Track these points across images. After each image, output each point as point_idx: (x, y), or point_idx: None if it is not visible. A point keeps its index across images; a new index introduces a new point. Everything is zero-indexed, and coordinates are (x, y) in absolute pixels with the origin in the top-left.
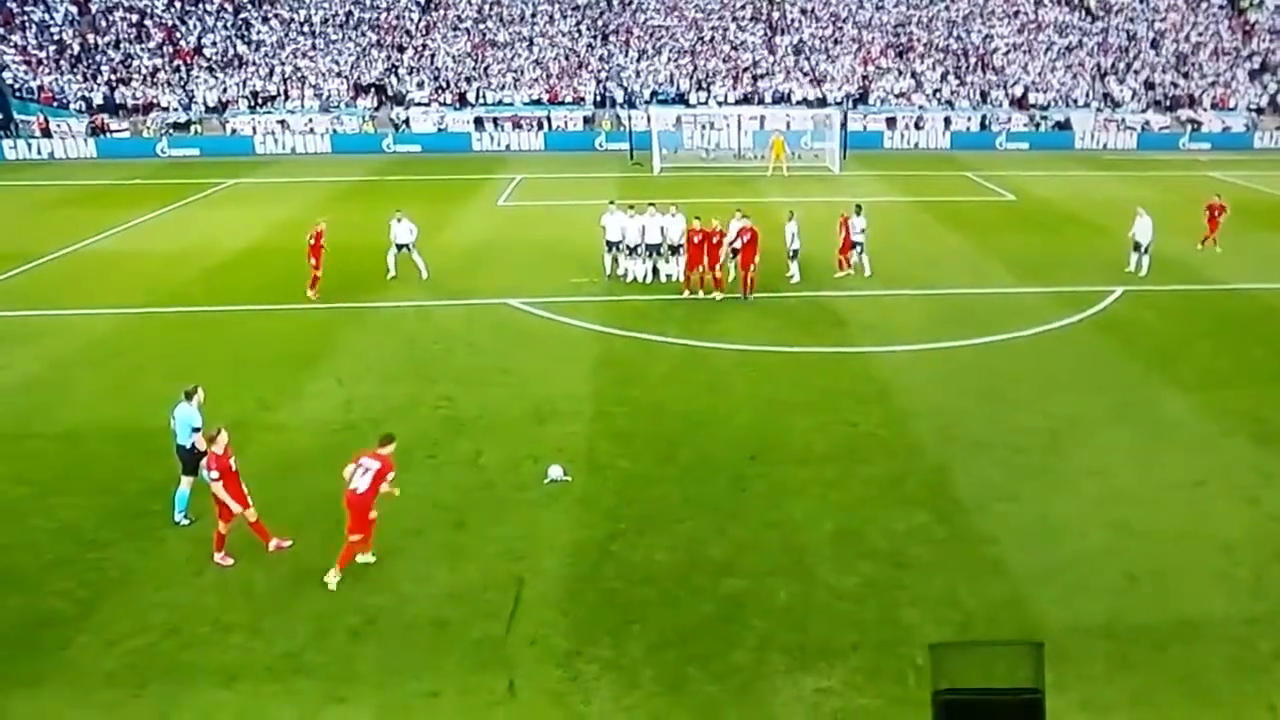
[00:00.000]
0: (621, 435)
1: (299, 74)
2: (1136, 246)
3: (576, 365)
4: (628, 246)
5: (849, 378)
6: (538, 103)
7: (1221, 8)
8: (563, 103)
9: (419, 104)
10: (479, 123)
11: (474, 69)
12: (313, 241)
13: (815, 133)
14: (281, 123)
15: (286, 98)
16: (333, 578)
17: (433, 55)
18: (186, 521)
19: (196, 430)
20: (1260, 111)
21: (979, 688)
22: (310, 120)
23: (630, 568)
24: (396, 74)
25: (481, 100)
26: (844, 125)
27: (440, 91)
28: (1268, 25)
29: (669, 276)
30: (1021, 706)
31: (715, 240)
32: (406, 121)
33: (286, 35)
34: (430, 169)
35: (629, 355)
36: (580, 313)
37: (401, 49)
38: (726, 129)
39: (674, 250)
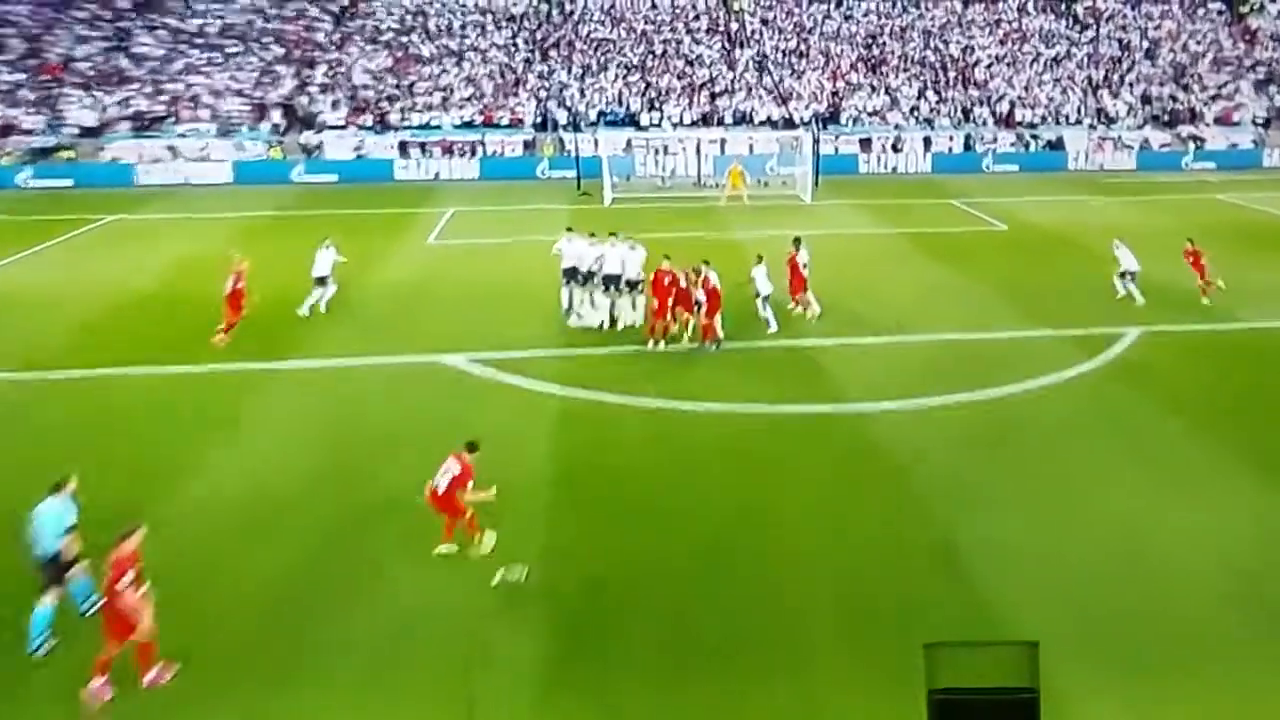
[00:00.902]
0: (586, 517)
1: (191, 92)
2: (1123, 275)
3: (528, 433)
4: (583, 275)
5: (839, 439)
6: (470, 125)
7: (1220, 13)
8: (499, 125)
9: (333, 127)
10: (403, 148)
11: (396, 87)
12: (233, 285)
13: (783, 156)
14: (170, 149)
15: (177, 120)
16: (488, 542)
17: (349, 71)
18: (46, 649)
19: (71, 529)
20: (1267, 125)
21: (974, 687)
22: (205, 146)
23: (607, 673)
24: (307, 92)
25: (406, 122)
26: (815, 148)
27: (358, 113)
28: (1271, 32)
29: (631, 324)
30: (1017, 706)
31: (685, 285)
32: (319, 147)
33: (176, 48)
34: (348, 201)
35: (589, 420)
36: (531, 369)
37: (312, 64)
38: (684, 153)
39: (632, 286)
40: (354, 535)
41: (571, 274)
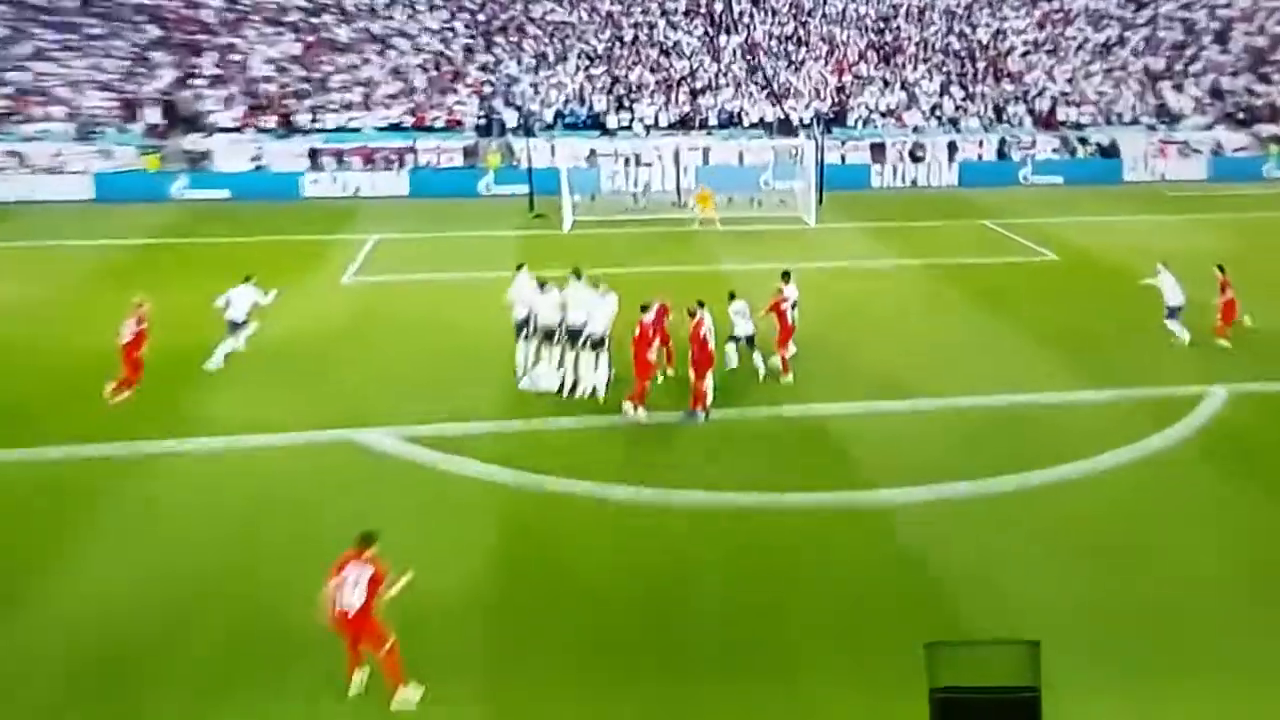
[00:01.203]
0: (542, 665)
1: (41, 84)
2: (1170, 313)
3: (465, 539)
4: (542, 330)
5: (863, 538)
6: (397, 129)
7: None
8: (433, 129)
9: (225, 129)
10: (314, 157)
11: (305, 80)
12: (132, 332)
13: (779, 168)
14: (14, 154)
15: (23, 118)
16: (410, 694)
17: (244, 60)
18: None
19: None
20: None
21: (976, 686)
22: (60, 152)
23: None
24: (191, 86)
25: (317, 125)
26: (820, 158)
27: (256, 112)
28: None
29: (592, 390)
30: (1019, 705)
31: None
32: (206, 155)
33: (20, 27)
34: (242, 225)
35: (546, 518)
36: (472, 448)
37: (197, 50)
38: (660, 164)
39: (598, 344)
40: (235, 688)
41: (524, 327)
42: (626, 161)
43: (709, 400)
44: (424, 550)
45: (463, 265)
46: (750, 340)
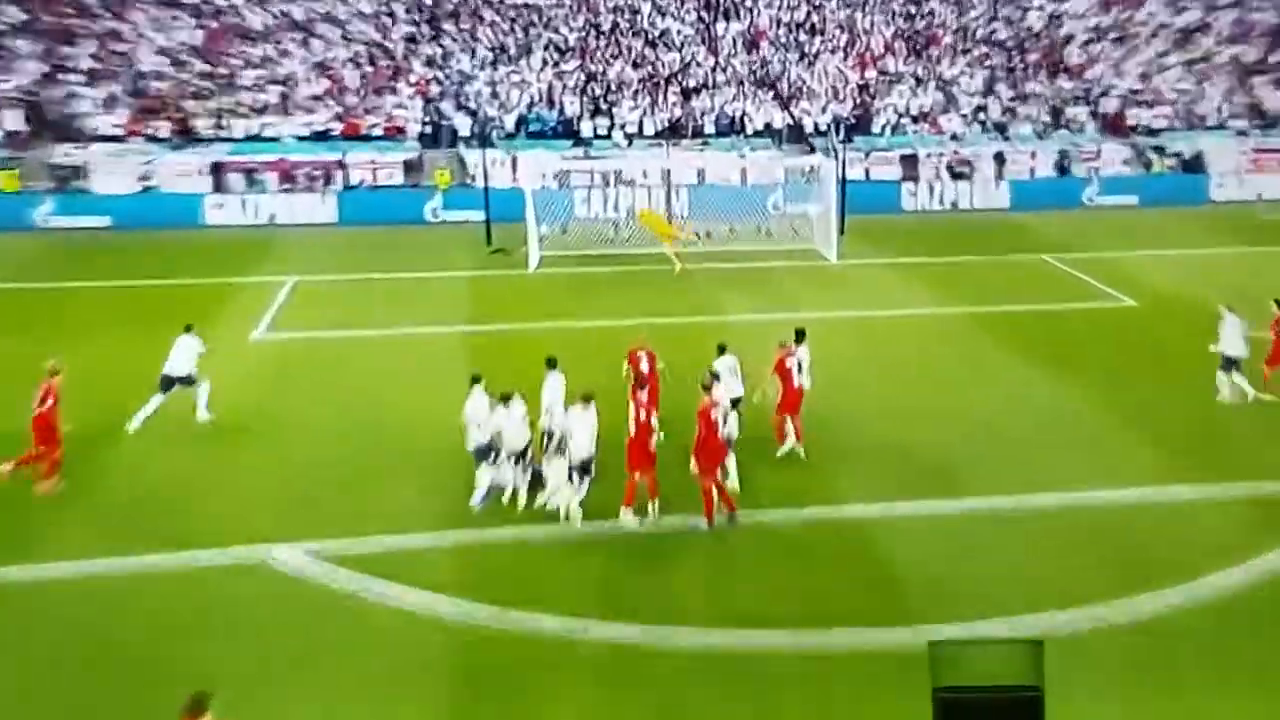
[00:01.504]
0: None
1: None
2: (1227, 364)
3: (401, 685)
4: (512, 454)
5: (917, 692)
6: (324, 138)
7: None
8: (368, 138)
9: (106, 138)
10: (219, 174)
11: (208, 78)
12: (41, 403)
13: (792, 188)
14: None
15: None
16: None
17: (130, 51)
18: None
19: None
20: None
21: (979, 685)
22: None
23: None
24: (62, 83)
25: (223, 133)
26: (841, 175)
27: (145, 117)
28: None
29: (565, 511)
30: (1021, 704)
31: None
32: (80, 172)
33: None
34: (126, 263)
35: (504, 660)
36: (410, 571)
37: (70, 38)
38: (645, 184)
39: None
40: None
41: (486, 454)
42: (605, 181)
43: (719, 493)
44: (346, 708)
45: (403, 317)
46: (735, 403)
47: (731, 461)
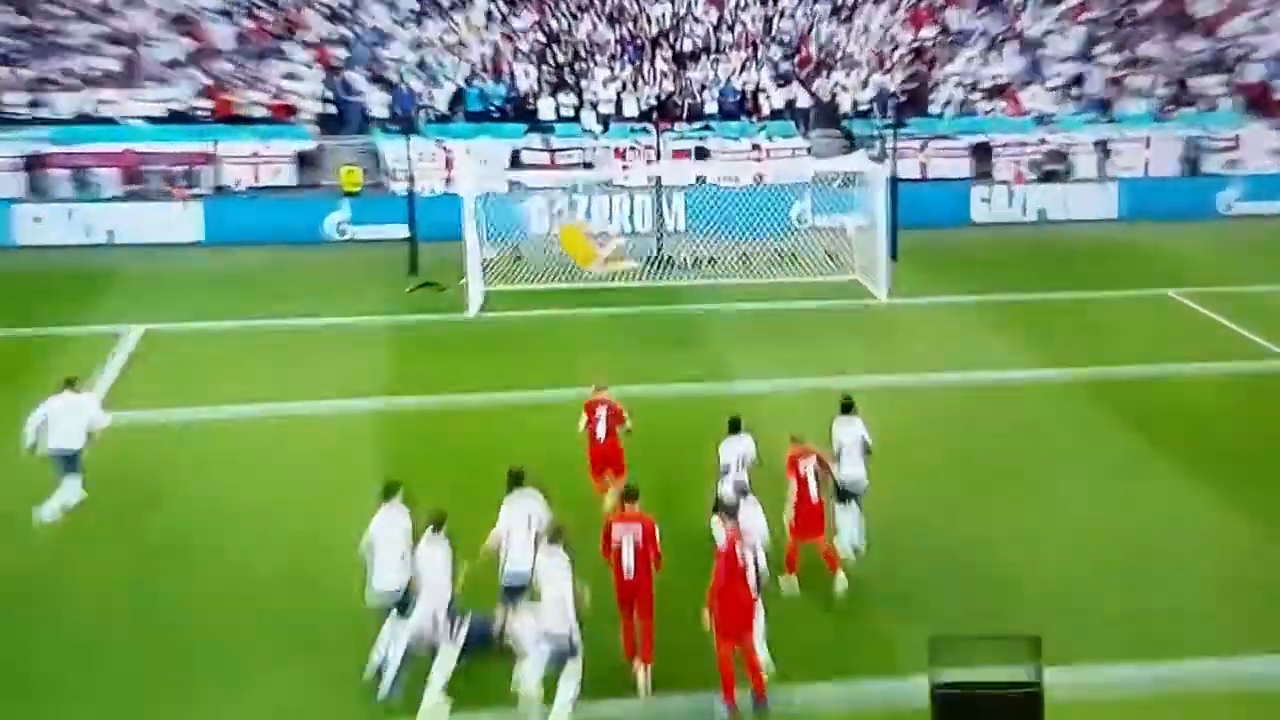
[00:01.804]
0: None
1: None
2: None
3: None
4: (439, 610)
5: None
6: (184, 120)
7: None
8: (248, 120)
9: None
10: (33, 172)
11: (17, 37)
12: None
13: (823, 195)
14: None
15: None
16: None
17: None
18: None
19: None
20: None
21: (978, 681)
22: None
23: None
24: None
25: (38, 113)
26: (892, 181)
27: None
28: None
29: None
30: (1021, 700)
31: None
32: None
33: None
34: None
35: None
36: None
37: None
38: (626, 190)
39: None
40: None
41: (402, 608)
42: (569, 188)
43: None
44: None
45: (293, 386)
46: (744, 490)
47: (760, 622)
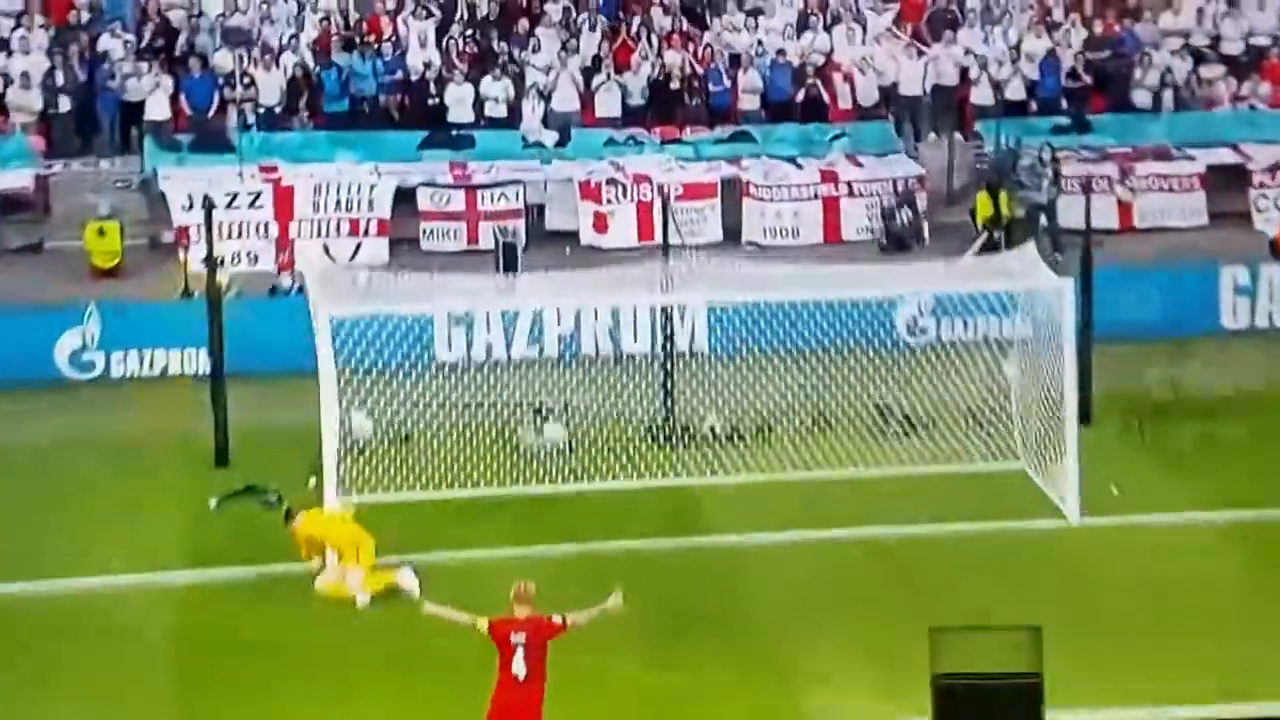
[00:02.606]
0: None
1: None
2: None
3: None
4: None
5: None
6: None
7: None
8: None
9: None
10: None
11: None
12: None
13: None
14: None
15: None
16: None
17: None
18: None
19: None
20: None
21: (978, 672)
22: None
23: None
24: None
25: None
26: (1085, 277)
27: None
28: None
29: None
30: (1021, 691)
31: None
32: None
33: None
34: None
35: None
36: None
37: None
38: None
39: None
40: None
41: None
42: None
43: None
44: None
45: None
46: None
47: None
